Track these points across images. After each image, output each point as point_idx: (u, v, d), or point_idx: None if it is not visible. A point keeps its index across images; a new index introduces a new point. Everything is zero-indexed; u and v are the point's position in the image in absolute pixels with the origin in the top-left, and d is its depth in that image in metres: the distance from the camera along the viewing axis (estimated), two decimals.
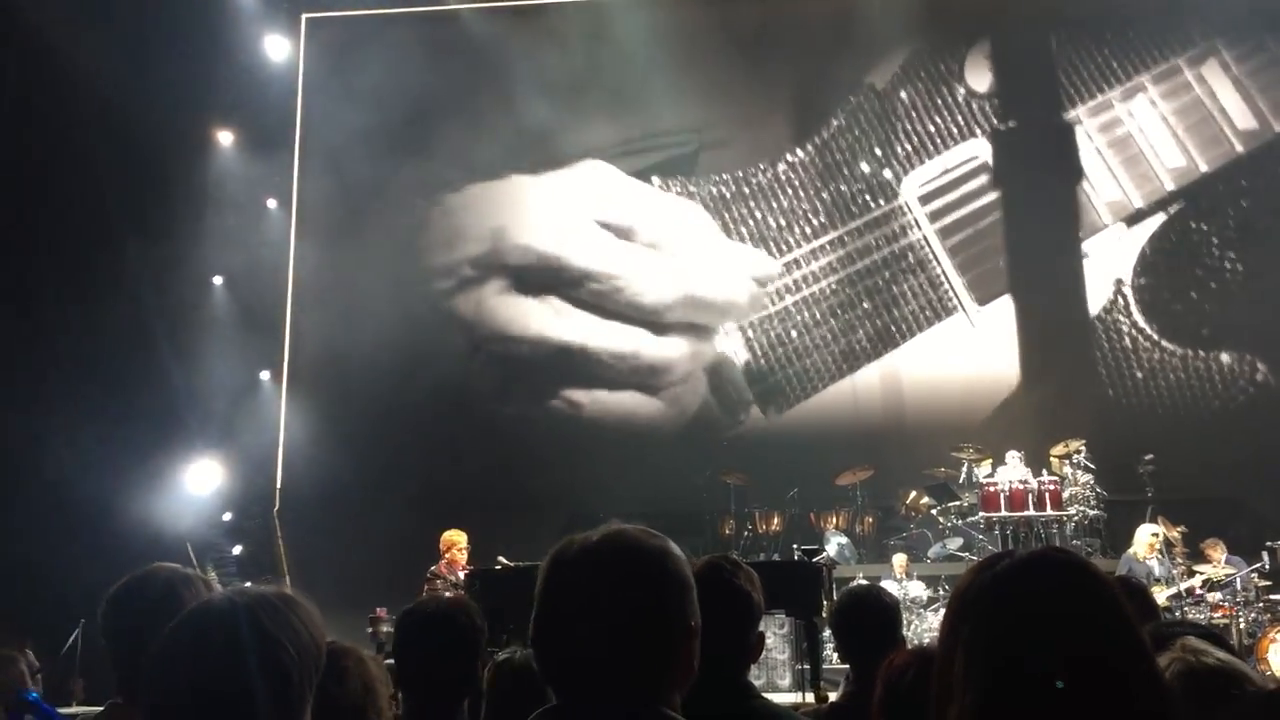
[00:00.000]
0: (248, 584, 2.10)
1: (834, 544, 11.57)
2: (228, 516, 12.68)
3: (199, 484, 12.40)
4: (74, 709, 8.71)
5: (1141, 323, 13.23)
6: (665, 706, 1.55)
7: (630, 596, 1.53)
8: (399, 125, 13.29)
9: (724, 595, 2.40)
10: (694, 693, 1.64)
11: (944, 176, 13.82)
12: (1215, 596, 9.56)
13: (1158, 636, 1.98)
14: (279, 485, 13.28)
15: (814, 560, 8.50)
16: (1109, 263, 13.39)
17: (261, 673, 1.56)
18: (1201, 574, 9.77)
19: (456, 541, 9.27)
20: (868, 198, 13.91)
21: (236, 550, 12.35)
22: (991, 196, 13.65)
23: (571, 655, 1.54)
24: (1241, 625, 9.33)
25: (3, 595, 9.77)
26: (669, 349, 13.71)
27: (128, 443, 10.98)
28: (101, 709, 2.44)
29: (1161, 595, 9.19)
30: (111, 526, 10.22)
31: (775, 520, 12.55)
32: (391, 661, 2.91)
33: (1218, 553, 9.97)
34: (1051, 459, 11.76)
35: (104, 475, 10.39)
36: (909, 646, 3.51)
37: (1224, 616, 9.36)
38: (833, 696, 4.91)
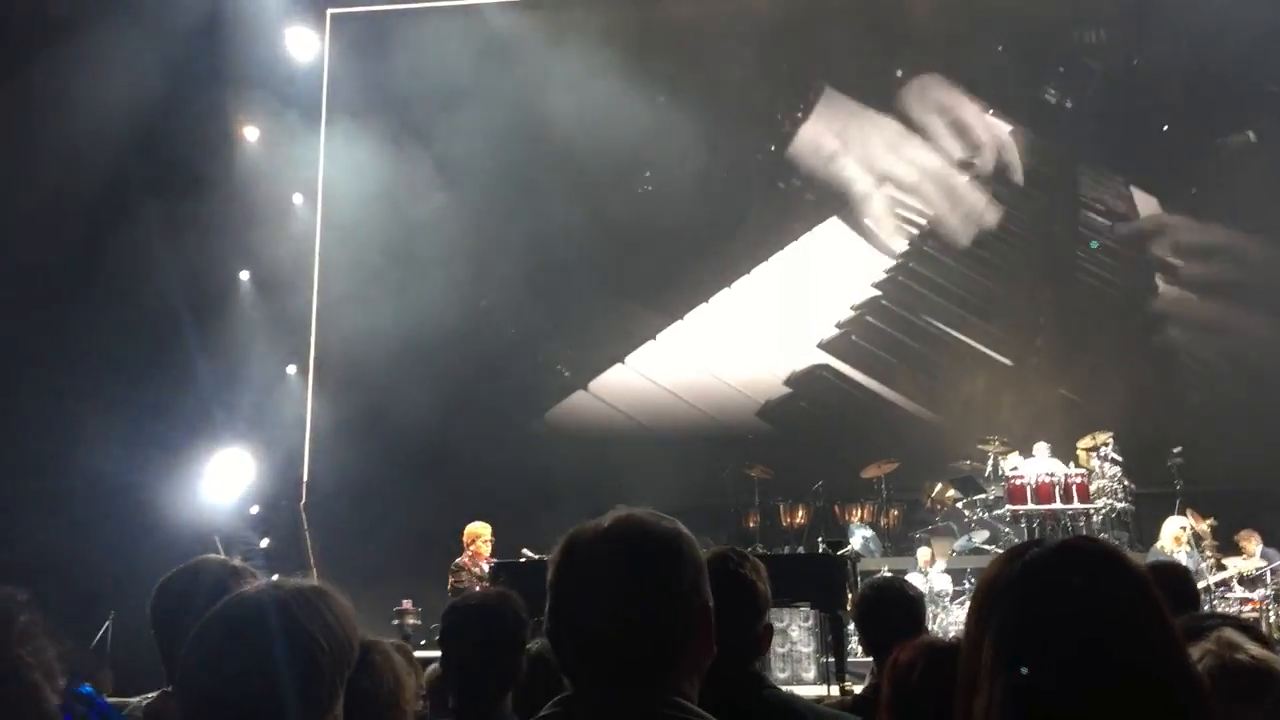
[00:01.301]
0: (274, 576, 2.11)
1: (859, 537, 11.53)
2: (255, 509, 12.77)
3: (226, 477, 12.50)
4: (107, 700, 8.78)
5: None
6: (680, 695, 1.53)
7: (646, 579, 1.52)
8: (424, 120, 13.28)
9: (730, 586, 2.39)
10: (704, 682, 1.63)
11: None
12: (1245, 590, 9.47)
13: (1193, 628, 1.95)
14: (305, 478, 13.36)
15: (839, 553, 8.50)
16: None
17: (292, 665, 1.58)
18: (1231, 567, 9.67)
19: (481, 534, 9.32)
20: None
21: (263, 543, 12.42)
22: None
23: (588, 640, 1.53)
24: (1272, 619, 9.22)
25: (32, 587, 9.85)
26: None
27: (156, 437, 11.05)
28: (144, 699, 2.47)
29: None
30: (140, 520, 10.30)
31: (800, 513, 12.55)
32: (418, 654, 2.97)
33: (1252, 544, 9.85)
34: (1079, 451, 11.63)
35: (132, 469, 10.47)
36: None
37: (1254, 610, 9.23)
38: (857, 689, 4.90)
